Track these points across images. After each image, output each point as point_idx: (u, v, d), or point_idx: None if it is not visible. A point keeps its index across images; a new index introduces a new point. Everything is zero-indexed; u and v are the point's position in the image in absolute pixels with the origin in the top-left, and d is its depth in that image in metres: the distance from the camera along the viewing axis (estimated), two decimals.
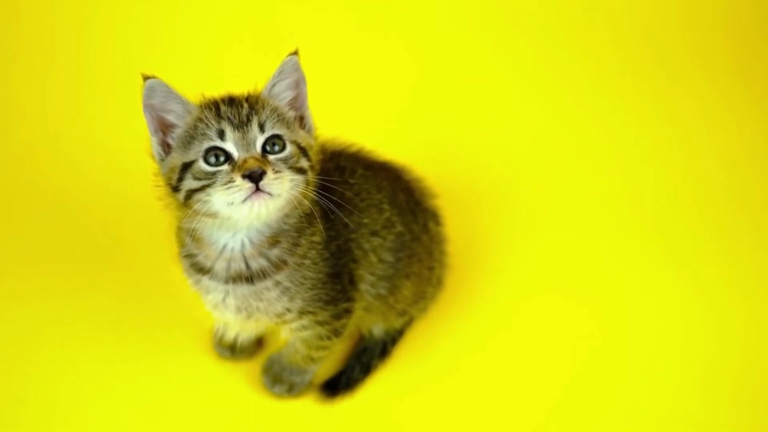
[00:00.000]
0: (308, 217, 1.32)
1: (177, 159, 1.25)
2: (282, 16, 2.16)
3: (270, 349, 1.58)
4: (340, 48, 2.13)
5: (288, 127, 1.27)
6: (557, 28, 2.21)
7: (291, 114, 1.30)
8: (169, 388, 1.54)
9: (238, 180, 1.19)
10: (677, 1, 2.24)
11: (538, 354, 1.63)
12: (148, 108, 1.25)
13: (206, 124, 1.23)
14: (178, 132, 1.26)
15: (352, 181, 1.44)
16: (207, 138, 1.22)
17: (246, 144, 1.22)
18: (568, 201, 1.91)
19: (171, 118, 1.27)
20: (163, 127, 1.27)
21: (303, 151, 1.27)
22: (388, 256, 1.47)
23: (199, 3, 2.16)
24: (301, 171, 1.25)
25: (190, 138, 1.24)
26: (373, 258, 1.44)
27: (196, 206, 1.22)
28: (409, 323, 1.63)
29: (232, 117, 1.23)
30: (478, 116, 2.09)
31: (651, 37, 2.22)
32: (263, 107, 1.25)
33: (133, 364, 1.56)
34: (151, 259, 1.69)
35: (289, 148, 1.25)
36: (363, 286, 1.45)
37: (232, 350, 1.56)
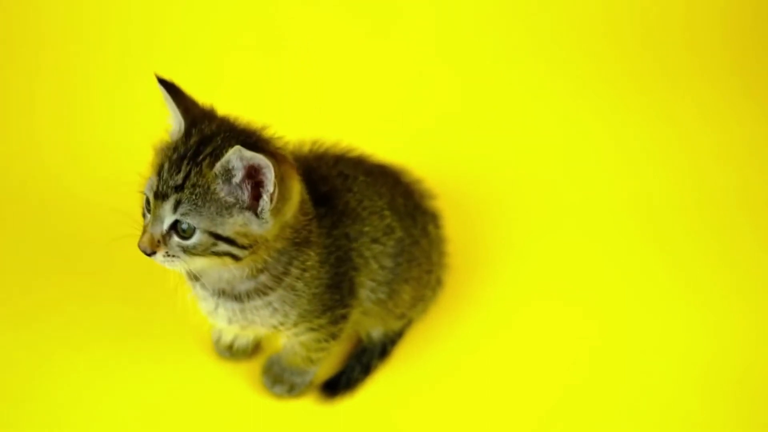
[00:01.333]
0: (300, 246, 1.29)
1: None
2: (282, 18, 2.16)
3: (269, 350, 1.59)
4: (340, 49, 2.13)
5: (216, 212, 1.20)
6: (557, 29, 2.21)
7: (231, 198, 1.20)
8: (170, 388, 1.54)
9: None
10: (678, 4, 2.24)
11: (537, 355, 1.63)
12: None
13: (154, 168, 1.23)
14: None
15: (355, 189, 1.43)
16: (149, 182, 1.23)
17: (156, 216, 1.21)
18: (567, 202, 1.91)
19: (173, 123, 1.27)
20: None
21: (225, 239, 1.20)
22: (388, 262, 1.46)
23: (198, 3, 2.16)
24: (217, 254, 1.22)
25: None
26: (374, 265, 1.44)
27: None
28: (408, 324, 1.63)
29: (161, 179, 1.20)
30: (478, 117, 2.09)
31: (651, 40, 2.21)
32: (194, 186, 1.19)
33: (133, 365, 1.57)
34: (150, 262, 1.69)
35: (197, 238, 1.20)
36: (363, 293, 1.45)
37: (231, 351, 1.56)
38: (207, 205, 1.19)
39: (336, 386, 1.54)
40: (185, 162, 1.20)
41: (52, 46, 2.07)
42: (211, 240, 1.20)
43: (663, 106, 2.12)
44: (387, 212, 1.47)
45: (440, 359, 1.61)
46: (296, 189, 1.25)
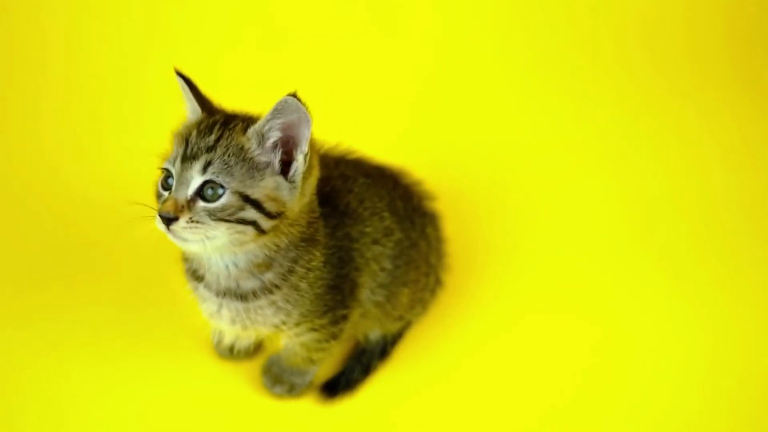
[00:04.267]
0: (307, 244, 1.30)
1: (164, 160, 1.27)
2: (282, 18, 2.16)
3: (269, 350, 1.59)
4: (340, 50, 2.13)
5: (246, 173, 1.21)
6: (557, 34, 2.21)
7: (266, 159, 1.22)
8: (170, 389, 1.54)
9: (156, 215, 1.20)
10: (677, 7, 2.24)
11: (536, 356, 1.63)
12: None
13: (177, 141, 1.24)
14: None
15: (356, 189, 1.44)
16: (171, 156, 1.23)
17: (182, 181, 1.20)
18: (567, 204, 1.92)
19: (189, 115, 1.30)
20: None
21: (253, 203, 1.20)
22: (388, 264, 1.47)
23: (199, 2, 2.16)
24: (243, 222, 1.20)
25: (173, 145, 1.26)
26: (375, 266, 1.45)
27: None
28: (408, 325, 1.63)
29: (189, 144, 1.21)
30: (478, 120, 2.09)
31: (651, 43, 2.22)
32: (227, 145, 1.21)
33: (134, 365, 1.57)
34: (150, 265, 1.69)
35: (226, 199, 1.19)
36: (364, 293, 1.46)
37: (231, 351, 1.57)
38: (239, 165, 1.20)
39: (336, 387, 1.54)
40: (217, 127, 1.22)
41: (55, 45, 2.07)
42: (240, 202, 1.20)
43: (663, 109, 2.13)
44: (386, 214, 1.48)
45: (440, 360, 1.61)
46: (317, 160, 1.27)
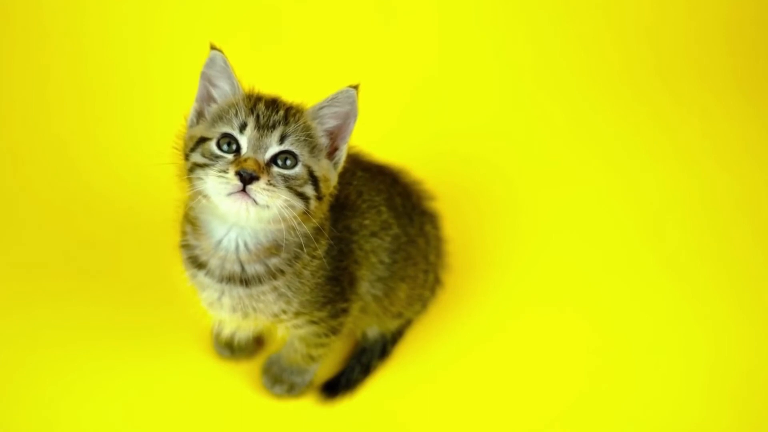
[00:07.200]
0: (315, 233, 1.31)
1: (199, 131, 1.27)
2: (280, 15, 2.16)
3: (270, 349, 1.59)
4: (339, 48, 2.14)
5: (310, 151, 1.26)
6: (559, 36, 2.22)
7: (324, 141, 1.29)
8: (170, 388, 1.54)
9: (230, 174, 1.19)
10: (678, 12, 2.24)
11: (536, 355, 1.63)
12: (203, 75, 1.29)
13: (236, 112, 1.24)
14: (214, 107, 1.29)
15: (354, 182, 1.44)
16: (229, 124, 1.24)
17: (258, 146, 1.22)
18: (567, 205, 1.92)
19: (215, 93, 1.29)
20: (207, 98, 1.30)
21: (314, 179, 1.25)
22: (385, 257, 1.47)
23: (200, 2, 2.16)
24: (301, 196, 1.24)
25: (218, 117, 1.26)
26: (373, 259, 1.45)
27: (195, 182, 1.24)
28: (408, 324, 1.63)
29: (261, 116, 1.24)
30: (479, 120, 2.10)
31: (652, 49, 2.23)
32: (297, 122, 1.25)
33: (134, 365, 1.57)
34: (150, 264, 1.70)
35: (299, 170, 1.24)
36: (363, 286, 1.46)
37: (231, 350, 1.57)
38: (307, 141, 1.25)
39: (336, 386, 1.54)
40: (279, 103, 1.27)
41: (59, 46, 2.07)
42: (306, 176, 1.24)
43: (663, 110, 2.14)
44: (384, 208, 1.48)
45: (440, 359, 1.61)
46: (345, 155, 1.32)
